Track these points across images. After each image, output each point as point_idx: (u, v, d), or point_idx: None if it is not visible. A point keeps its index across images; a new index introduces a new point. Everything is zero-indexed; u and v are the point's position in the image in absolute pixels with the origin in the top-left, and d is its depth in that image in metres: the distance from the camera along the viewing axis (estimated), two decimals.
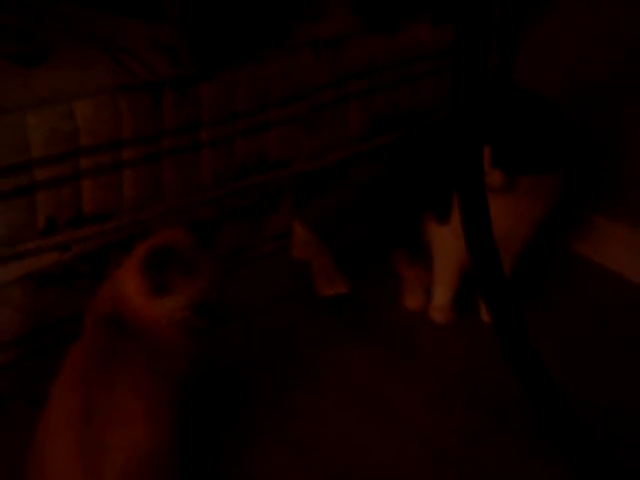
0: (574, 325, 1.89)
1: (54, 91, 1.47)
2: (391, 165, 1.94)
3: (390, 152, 1.94)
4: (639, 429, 1.61)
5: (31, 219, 1.47)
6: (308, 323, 1.84)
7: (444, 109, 1.98)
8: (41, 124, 1.45)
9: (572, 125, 1.71)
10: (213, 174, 1.68)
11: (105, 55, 1.56)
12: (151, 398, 1.27)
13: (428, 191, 1.81)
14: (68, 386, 1.27)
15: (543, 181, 1.67)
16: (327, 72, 1.78)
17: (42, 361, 1.54)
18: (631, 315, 1.93)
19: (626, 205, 2.03)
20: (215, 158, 1.67)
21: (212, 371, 1.66)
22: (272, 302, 1.85)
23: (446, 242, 1.79)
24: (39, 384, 1.32)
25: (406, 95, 1.93)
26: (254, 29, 1.69)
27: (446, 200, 1.74)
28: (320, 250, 1.86)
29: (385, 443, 1.57)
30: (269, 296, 1.85)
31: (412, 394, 1.69)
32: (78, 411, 1.24)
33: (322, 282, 1.87)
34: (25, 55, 1.51)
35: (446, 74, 1.98)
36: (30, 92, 1.45)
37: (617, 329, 1.88)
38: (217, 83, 1.63)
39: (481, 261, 1.39)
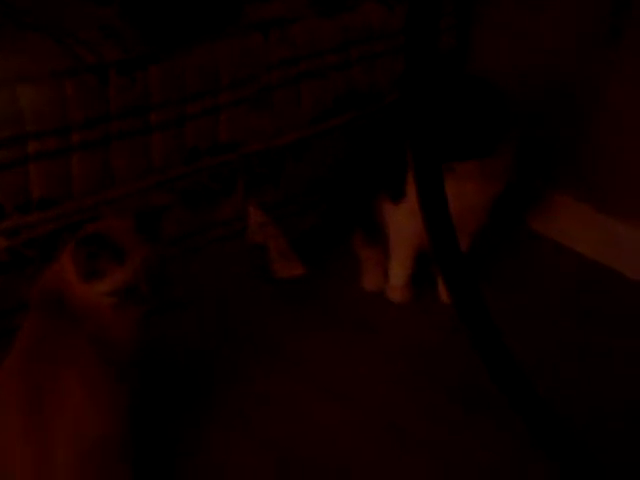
0: (531, 300, 1.90)
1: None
2: (345, 146, 1.94)
3: (344, 133, 1.93)
4: (595, 404, 1.63)
5: None
6: (266, 307, 1.84)
7: (398, 90, 1.98)
8: None
9: (524, 107, 1.72)
10: (164, 157, 1.66)
11: (50, 39, 1.55)
12: (95, 382, 1.27)
13: (382, 172, 1.82)
14: (13, 371, 1.27)
15: (483, 165, 1.67)
16: (276, 53, 1.77)
17: None
18: (587, 290, 1.95)
19: (590, 187, 2.04)
20: (165, 141, 1.65)
21: (169, 357, 1.66)
22: (228, 286, 1.84)
23: (401, 222, 1.79)
24: None
25: (360, 76, 1.92)
26: (202, 11, 1.68)
27: (399, 180, 1.75)
28: (275, 233, 1.85)
29: (347, 427, 1.58)
30: (225, 280, 1.84)
31: (373, 374, 1.69)
32: (23, 396, 1.24)
33: (278, 265, 1.87)
34: None
35: (401, 55, 1.97)
36: None
37: (573, 304, 1.90)
38: (165, 66, 1.62)
39: (438, 238, 1.39)
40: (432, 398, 1.64)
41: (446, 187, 1.61)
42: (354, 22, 1.88)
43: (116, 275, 1.28)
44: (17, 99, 1.46)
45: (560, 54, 1.98)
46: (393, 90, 1.99)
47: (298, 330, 1.78)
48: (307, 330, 1.78)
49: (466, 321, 1.42)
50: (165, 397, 1.58)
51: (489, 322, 1.41)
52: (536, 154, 2.06)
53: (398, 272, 1.87)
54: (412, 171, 1.38)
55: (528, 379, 1.44)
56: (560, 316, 1.85)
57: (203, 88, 1.68)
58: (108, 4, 1.68)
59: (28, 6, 1.66)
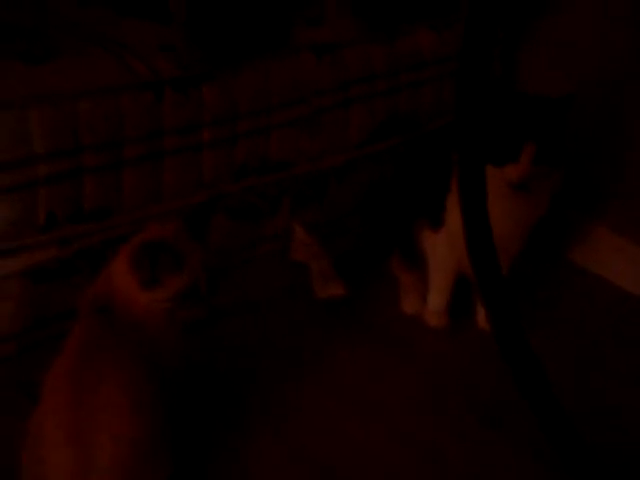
0: (569, 332, 1.91)
1: (58, 89, 1.49)
2: (388, 171, 1.96)
3: (389, 157, 1.96)
4: (633, 433, 1.64)
5: (32, 214, 1.49)
6: (305, 325, 1.86)
7: (443, 116, 2.00)
8: (44, 121, 1.46)
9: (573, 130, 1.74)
10: (213, 174, 1.69)
11: (109, 54, 1.59)
12: (138, 390, 1.30)
13: (422, 198, 1.84)
14: (60, 377, 1.30)
15: (549, 179, 1.69)
16: (328, 76, 1.80)
17: (40, 354, 1.56)
18: (626, 323, 1.95)
19: (628, 218, 2.05)
20: (216, 159, 1.68)
21: (209, 367, 1.69)
22: (270, 303, 1.87)
23: (439, 248, 1.81)
24: (37, 377, 1.34)
25: (406, 101, 1.94)
26: (256, 32, 1.72)
27: (439, 207, 1.77)
28: (318, 253, 1.87)
29: (376, 444, 1.59)
30: (267, 296, 1.87)
31: (405, 396, 1.70)
32: (69, 401, 1.27)
33: (319, 284, 1.88)
34: (32, 53, 1.53)
35: (446, 81, 2.00)
36: (35, 89, 1.47)
37: (611, 336, 1.91)
38: (219, 84, 1.65)
39: (481, 264, 1.40)
40: (463, 421, 1.65)
41: (511, 202, 1.67)
42: (405, 48, 1.91)
43: (177, 281, 1.31)
44: (76, 112, 1.50)
45: (602, 83, 2.00)
46: (437, 116, 2.01)
47: (334, 347, 1.80)
48: (343, 348, 1.80)
49: (505, 351, 1.43)
50: (202, 404, 1.60)
51: (529, 352, 1.42)
52: (577, 183, 2.07)
53: (436, 297, 1.88)
54: (457, 193, 1.39)
55: (564, 411, 1.45)
56: (597, 348, 1.86)
57: (255, 108, 1.71)
58: (164, 23, 1.72)
59: (88, 22, 1.70)
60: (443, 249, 1.81)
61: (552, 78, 2.09)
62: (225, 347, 1.76)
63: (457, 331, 1.88)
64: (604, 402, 1.70)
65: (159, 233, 1.35)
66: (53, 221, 1.52)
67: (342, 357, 1.78)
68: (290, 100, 1.76)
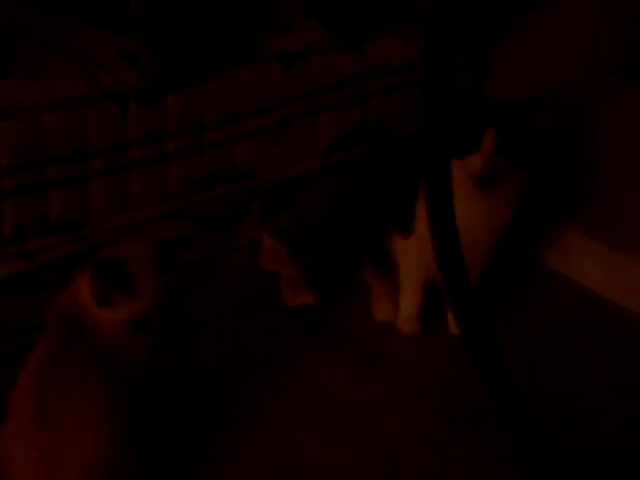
0: (536, 333, 1.91)
1: (22, 102, 1.49)
2: (359, 178, 1.96)
3: (358, 165, 1.96)
4: (600, 434, 1.64)
5: None
6: (278, 333, 1.86)
7: (412, 123, 2.00)
8: (8, 134, 1.46)
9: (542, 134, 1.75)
10: (180, 185, 1.69)
11: (73, 66, 1.58)
12: (105, 405, 1.29)
13: (392, 205, 1.84)
14: (25, 392, 1.30)
15: (516, 177, 1.71)
16: (296, 85, 1.80)
17: (5, 368, 1.55)
18: (593, 324, 1.96)
19: (598, 220, 2.06)
20: (182, 169, 1.68)
21: (183, 378, 1.68)
22: (241, 312, 1.87)
23: (410, 255, 1.82)
24: (2, 391, 1.34)
25: (375, 109, 1.95)
26: (221, 41, 1.72)
27: (409, 214, 1.77)
28: (287, 261, 1.88)
29: (354, 451, 1.59)
30: (238, 306, 1.87)
31: (381, 403, 1.71)
32: (35, 418, 1.27)
33: (289, 292, 1.89)
34: None
35: (414, 88, 2.00)
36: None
37: (578, 338, 1.91)
38: (184, 95, 1.65)
39: (448, 270, 1.41)
40: (439, 427, 1.65)
41: (477, 206, 1.69)
42: (373, 56, 1.91)
43: (127, 306, 1.31)
44: (40, 124, 1.49)
45: (572, 86, 2.01)
46: (406, 123, 2.02)
47: (308, 355, 1.80)
48: (317, 355, 1.80)
49: (473, 354, 1.43)
50: (177, 415, 1.60)
51: (497, 355, 1.43)
52: (547, 186, 2.08)
53: (407, 304, 1.89)
54: (424, 200, 1.39)
55: (532, 412, 1.45)
56: (569, 351, 1.87)
57: (221, 117, 1.71)
58: (128, 32, 1.72)
59: (52, 32, 1.70)
60: (413, 255, 1.82)
61: (519, 85, 2.10)
62: (199, 358, 1.76)
63: (429, 336, 1.89)
64: (577, 406, 1.71)
65: (125, 253, 1.35)
66: (19, 234, 1.52)
67: (317, 365, 1.78)
68: (257, 109, 1.76)
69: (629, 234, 2.00)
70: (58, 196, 1.54)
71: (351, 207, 1.97)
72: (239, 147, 1.75)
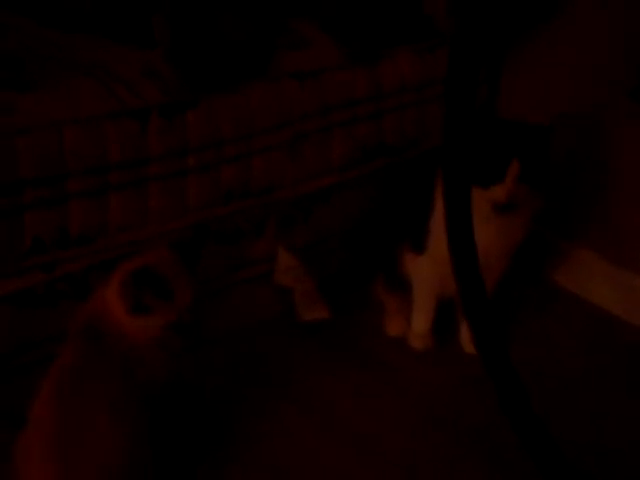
0: (547, 350, 1.93)
1: (44, 116, 1.51)
2: (372, 194, 1.98)
3: (372, 181, 1.98)
4: (616, 457, 1.65)
5: (18, 239, 1.51)
6: (289, 347, 1.87)
7: (426, 140, 2.02)
8: (30, 148, 1.48)
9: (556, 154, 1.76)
10: (198, 199, 1.71)
11: (94, 82, 1.60)
12: (122, 414, 1.31)
13: (405, 222, 1.86)
14: (47, 401, 1.31)
15: (532, 200, 1.72)
16: (311, 101, 1.82)
17: (23, 380, 1.56)
18: (604, 342, 1.97)
19: (609, 239, 2.07)
20: (201, 184, 1.70)
21: (193, 390, 1.69)
22: (254, 326, 1.88)
23: (423, 271, 1.83)
24: (21, 403, 1.35)
25: (389, 126, 1.97)
26: (238, 58, 1.74)
27: (422, 231, 1.79)
28: (302, 276, 1.89)
29: (361, 470, 1.60)
30: (251, 319, 1.88)
31: (392, 421, 1.71)
32: (54, 427, 1.28)
33: (303, 307, 1.90)
34: (18, 81, 1.55)
35: (429, 106, 2.02)
36: (21, 117, 1.49)
37: (588, 356, 1.93)
38: (203, 110, 1.67)
39: (467, 286, 1.42)
40: (446, 446, 1.66)
41: (498, 223, 1.69)
42: (388, 73, 1.93)
43: (164, 312, 1.32)
44: (62, 139, 1.51)
45: (583, 107, 2.02)
46: (420, 140, 2.03)
47: (320, 371, 1.81)
48: (328, 371, 1.81)
49: (490, 370, 1.44)
50: (189, 431, 1.61)
51: (514, 374, 1.44)
52: (559, 206, 2.09)
53: (420, 320, 1.90)
54: (443, 217, 1.40)
55: (548, 431, 1.46)
56: (575, 366, 1.88)
57: (239, 133, 1.73)
58: (149, 48, 1.74)
59: (74, 48, 1.72)
60: (426, 272, 1.83)
61: (532, 104, 2.12)
62: (212, 370, 1.77)
63: (441, 353, 1.90)
64: (590, 422, 1.72)
65: (150, 260, 1.36)
66: (39, 246, 1.53)
67: (327, 382, 1.79)
68: (273, 125, 1.78)
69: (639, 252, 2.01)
70: (78, 209, 1.56)
71: (365, 223, 1.98)
72: (256, 162, 1.77)
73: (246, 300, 1.87)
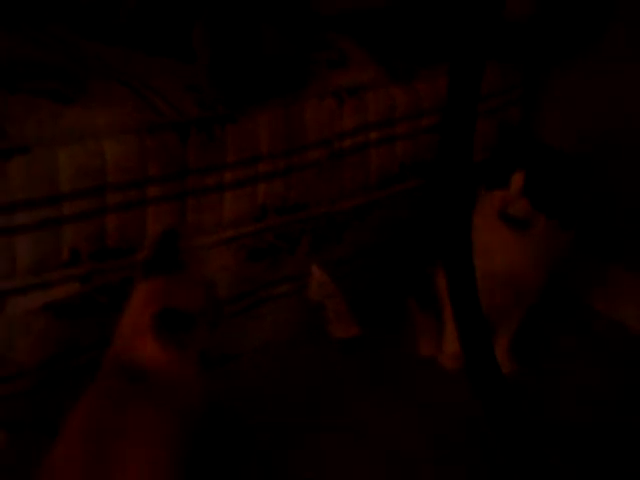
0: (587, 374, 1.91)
1: (85, 128, 1.52)
2: (407, 212, 1.98)
3: (407, 199, 1.98)
4: None
5: (56, 250, 1.52)
6: (319, 366, 1.86)
7: None
8: (71, 160, 1.49)
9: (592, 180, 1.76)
10: (234, 215, 1.71)
11: (134, 95, 1.61)
12: (160, 446, 1.29)
13: (439, 241, 1.85)
14: (81, 419, 1.29)
15: (557, 231, 1.71)
16: (349, 119, 1.82)
17: (58, 389, 1.57)
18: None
19: None
20: (237, 199, 1.70)
21: (221, 413, 1.69)
22: (285, 342, 1.88)
23: None
24: (54, 412, 1.34)
25: (425, 144, 1.97)
26: (277, 74, 1.74)
27: None
28: (335, 293, 1.89)
29: None
30: (283, 336, 1.88)
31: (420, 441, 1.70)
32: (86, 445, 1.26)
33: (336, 325, 1.90)
34: (62, 92, 1.56)
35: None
36: (62, 128, 1.50)
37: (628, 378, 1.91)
38: (242, 125, 1.68)
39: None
40: (479, 465, 1.65)
41: (519, 241, 1.71)
42: (426, 91, 1.93)
43: (195, 342, 1.36)
44: (102, 151, 1.52)
45: (625, 128, 2.02)
46: None
47: (349, 389, 1.81)
48: (358, 390, 1.81)
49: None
50: (219, 455, 1.61)
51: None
52: (597, 230, 2.08)
53: (452, 340, 1.88)
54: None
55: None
56: (614, 388, 1.86)
57: (276, 149, 1.73)
58: (189, 62, 1.75)
59: (115, 61, 1.74)
60: None
61: (566, 129, 2.11)
62: (241, 387, 1.76)
63: None
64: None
65: (169, 293, 1.37)
66: (76, 258, 1.54)
67: (357, 401, 1.78)
68: (310, 142, 1.78)
69: None
70: (115, 221, 1.57)
71: (399, 241, 1.98)
72: (292, 179, 1.77)
73: (279, 315, 1.87)
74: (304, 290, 1.89)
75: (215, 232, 1.70)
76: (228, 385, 1.70)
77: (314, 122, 1.78)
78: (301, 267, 1.87)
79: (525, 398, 1.68)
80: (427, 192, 1.99)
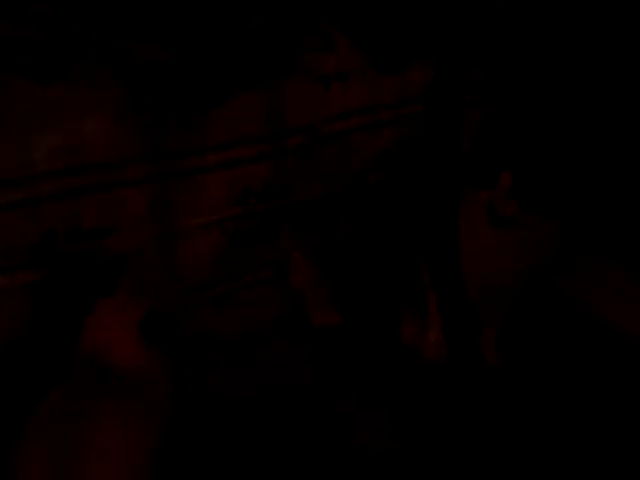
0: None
1: (63, 107, 1.50)
2: (394, 200, 1.96)
3: (393, 187, 1.96)
4: None
5: (31, 231, 1.50)
6: (298, 352, 1.84)
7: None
8: (49, 139, 1.48)
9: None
10: (216, 198, 1.71)
11: (115, 74, 1.59)
12: (128, 441, 1.27)
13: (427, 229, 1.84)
14: (44, 428, 1.27)
15: (542, 227, 1.70)
16: (335, 105, 1.81)
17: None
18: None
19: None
20: (219, 182, 1.70)
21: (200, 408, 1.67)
22: (266, 330, 1.87)
23: None
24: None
25: (411, 131, 1.95)
26: (259, 57, 1.72)
27: None
28: (316, 280, 1.88)
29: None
30: (264, 322, 1.87)
31: (405, 434, 1.68)
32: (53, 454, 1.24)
33: (316, 312, 1.89)
34: (41, 70, 1.54)
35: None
36: (41, 107, 1.48)
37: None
38: (226, 108, 1.66)
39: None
40: (457, 464, 1.63)
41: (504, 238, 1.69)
42: (415, 80, 1.92)
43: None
44: (80, 131, 1.51)
45: None
46: None
47: (328, 377, 1.79)
48: (336, 377, 1.79)
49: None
50: (194, 454, 1.59)
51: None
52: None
53: (436, 330, 1.88)
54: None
55: None
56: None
57: (259, 133, 1.72)
58: (174, 45, 1.73)
59: (98, 40, 1.71)
60: None
61: None
62: (221, 380, 1.74)
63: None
64: None
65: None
66: (52, 239, 1.53)
67: (337, 390, 1.75)
68: (295, 127, 1.77)
69: None
70: (92, 202, 1.56)
71: (384, 229, 1.97)
72: (275, 163, 1.76)
73: (259, 303, 1.86)
74: (286, 277, 1.87)
75: (196, 215, 1.69)
76: (205, 376, 1.70)
77: (299, 106, 1.76)
78: (283, 253, 1.85)
79: (507, 390, 1.67)
80: (414, 180, 1.97)
